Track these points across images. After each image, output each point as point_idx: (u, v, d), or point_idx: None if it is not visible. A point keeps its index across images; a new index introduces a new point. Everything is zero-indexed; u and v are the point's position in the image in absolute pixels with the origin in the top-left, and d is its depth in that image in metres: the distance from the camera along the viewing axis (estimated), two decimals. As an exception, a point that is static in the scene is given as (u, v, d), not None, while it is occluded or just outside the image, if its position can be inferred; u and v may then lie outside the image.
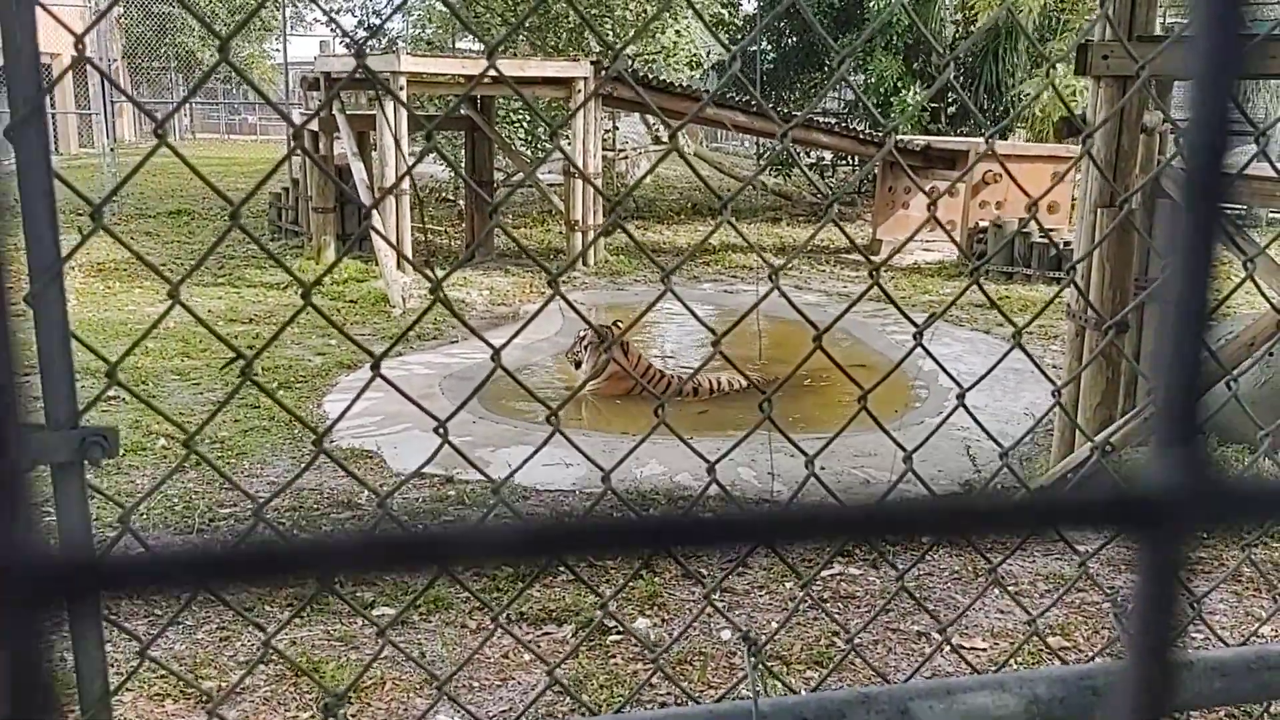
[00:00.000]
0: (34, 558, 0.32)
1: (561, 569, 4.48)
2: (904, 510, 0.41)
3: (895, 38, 17.71)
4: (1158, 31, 6.31)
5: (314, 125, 12.25)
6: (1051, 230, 11.73)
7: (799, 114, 16.56)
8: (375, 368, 1.03)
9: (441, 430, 1.09)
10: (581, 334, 8.03)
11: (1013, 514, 0.42)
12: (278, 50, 32.25)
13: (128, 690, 3.64)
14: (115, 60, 27.11)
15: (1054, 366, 7.69)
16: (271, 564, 0.36)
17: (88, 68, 17.09)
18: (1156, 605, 0.40)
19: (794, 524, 0.42)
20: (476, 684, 3.78)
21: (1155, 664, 0.41)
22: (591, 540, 0.40)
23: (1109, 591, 4.52)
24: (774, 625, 4.22)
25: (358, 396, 1.15)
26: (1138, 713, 0.42)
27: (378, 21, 20.69)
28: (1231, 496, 0.41)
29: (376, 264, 10.87)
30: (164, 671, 3.77)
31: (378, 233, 1.76)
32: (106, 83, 18.17)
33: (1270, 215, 16.15)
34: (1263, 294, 1.62)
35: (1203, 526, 0.41)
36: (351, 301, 10.20)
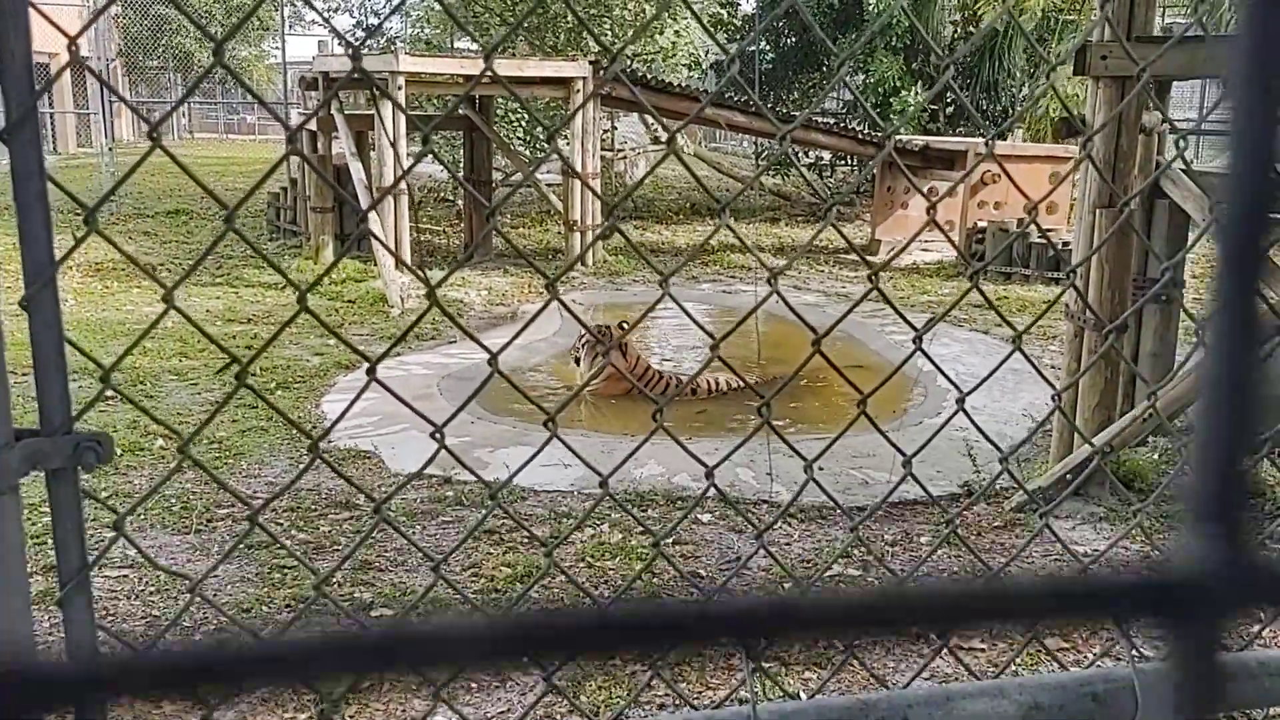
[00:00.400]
0: (26, 668, 0.32)
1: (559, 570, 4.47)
2: (925, 597, 0.39)
3: (895, 38, 17.70)
4: (1156, 32, 6.30)
5: (312, 125, 12.24)
6: (1050, 230, 11.73)
7: (798, 114, 16.55)
8: (370, 373, 1.03)
9: (438, 436, 1.09)
10: (583, 333, 8.05)
11: (1044, 598, 0.39)
12: (276, 50, 32.26)
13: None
14: (112, 60, 27.08)
15: (1052, 367, 7.68)
16: (247, 668, 0.36)
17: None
18: (1193, 700, 0.36)
19: (810, 616, 0.40)
20: (474, 684, 3.78)
21: None
22: (576, 639, 0.38)
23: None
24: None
25: (354, 400, 1.15)
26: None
27: (375, 21, 20.67)
28: (1273, 581, 0.36)
29: (375, 263, 10.87)
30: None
31: (375, 237, 1.77)
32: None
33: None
34: (1261, 298, 1.61)
35: (1241, 613, 0.36)
36: (350, 301, 10.19)
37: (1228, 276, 0.39)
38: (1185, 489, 0.37)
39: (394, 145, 10.49)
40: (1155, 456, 5.91)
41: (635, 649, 0.40)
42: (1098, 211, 5.25)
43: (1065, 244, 10.44)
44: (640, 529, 4.98)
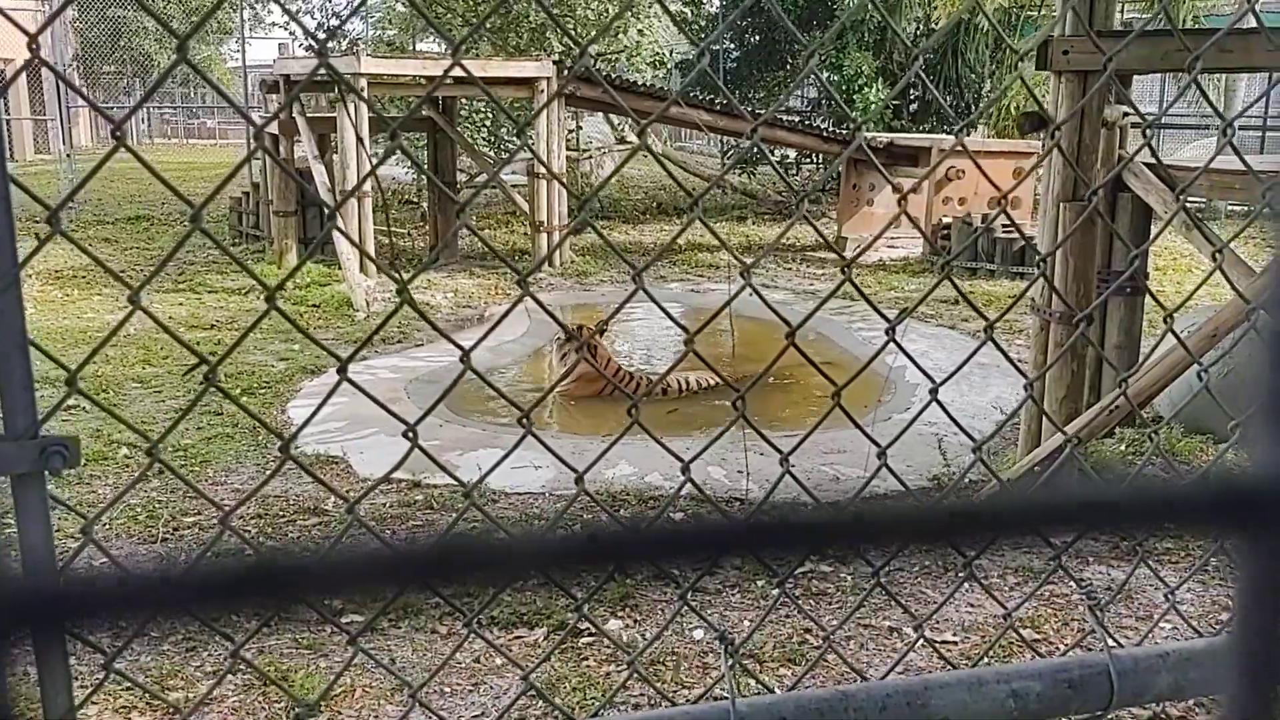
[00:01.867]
0: None
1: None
2: (989, 511, 0.38)
3: (867, 33, 17.78)
4: (1116, 26, 6.37)
5: (273, 128, 12.14)
6: (1017, 224, 11.83)
7: (764, 112, 16.59)
8: (342, 371, 1.01)
9: (411, 434, 1.08)
10: (557, 334, 8.05)
11: (1119, 508, 0.38)
12: (236, 53, 31.94)
13: (93, 703, 3.59)
14: (69, 65, 26.73)
15: (1020, 361, 7.75)
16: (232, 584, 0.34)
17: (42, 72, 16.85)
18: (1267, 612, 0.34)
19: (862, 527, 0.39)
20: (448, 689, 3.75)
21: (1265, 683, 0.35)
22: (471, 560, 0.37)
23: (1079, 582, 4.55)
24: (746, 624, 4.22)
25: (324, 401, 1.13)
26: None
27: (338, 23, 20.52)
28: None
29: (339, 267, 10.79)
30: (130, 683, 3.71)
31: (344, 235, 1.74)
32: (62, 89, 17.92)
33: (1229, 207, 16.38)
34: (1231, 284, 1.64)
35: None
36: (314, 306, 10.11)
37: None
38: (1257, 390, 0.34)
39: (360, 142, 10.42)
40: (1122, 448, 5.97)
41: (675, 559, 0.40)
42: (1062, 205, 5.30)
43: (1030, 238, 10.55)
44: (613, 529, 4.96)
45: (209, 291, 10.70)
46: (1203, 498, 0.35)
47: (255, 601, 0.34)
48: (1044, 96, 11.10)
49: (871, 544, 0.39)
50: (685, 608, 3.36)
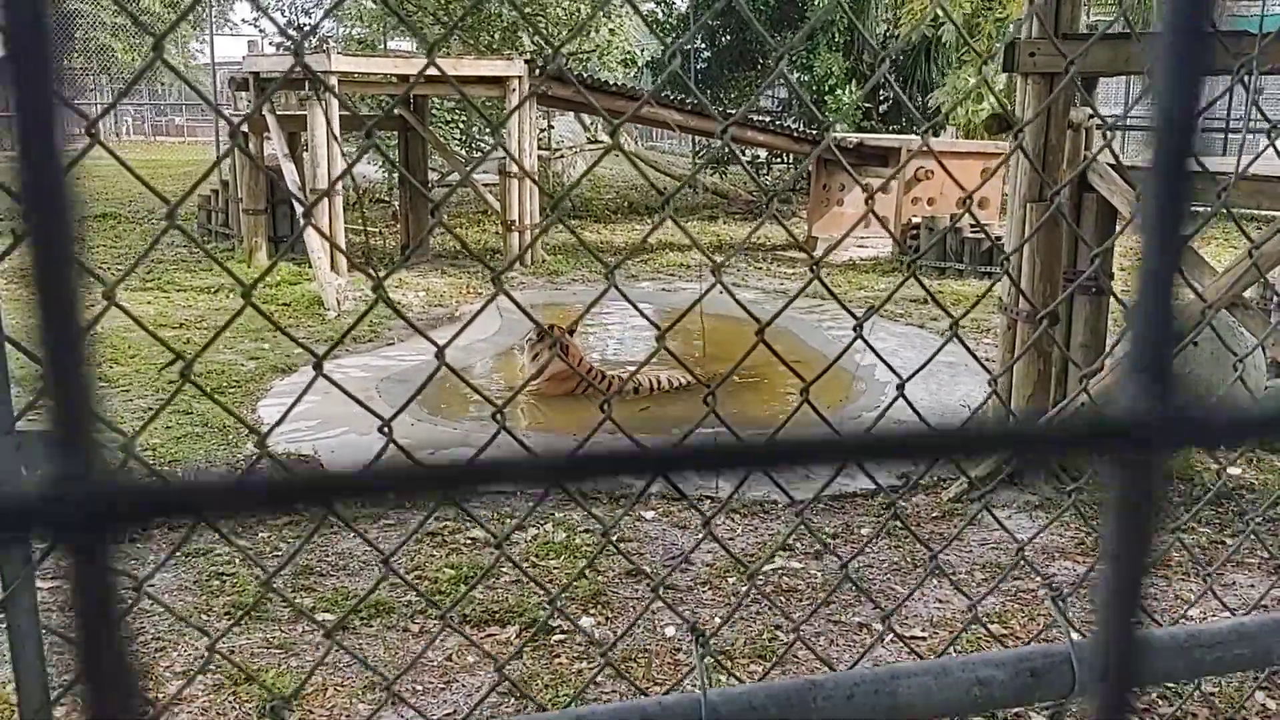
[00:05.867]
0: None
1: (502, 571, 4.47)
2: (882, 438, 0.42)
3: (836, 34, 17.86)
4: (1082, 29, 6.44)
5: (243, 126, 12.06)
6: (984, 225, 11.94)
7: (735, 112, 16.65)
8: (318, 368, 1.02)
9: (386, 430, 1.09)
10: (528, 332, 8.03)
11: (991, 440, 0.43)
12: (200, 50, 31.67)
13: (61, 703, 3.56)
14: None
15: (987, 359, 7.82)
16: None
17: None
18: (1131, 532, 0.41)
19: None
20: (420, 687, 3.76)
21: (1129, 590, 0.42)
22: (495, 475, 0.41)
23: (1044, 578, 4.61)
24: (718, 620, 4.25)
25: (298, 399, 1.14)
26: (1112, 655, 0.42)
27: (306, 20, 20.41)
28: (1202, 420, 0.42)
29: (310, 266, 10.73)
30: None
31: (319, 232, 1.76)
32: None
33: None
34: (1188, 283, 1.67)
35: (1176, 449, 0.42)
36: (285, 304, 10.05)
37: (1163, 151, 0.44)
38: (1127, 349, 0.43)
39: (335, 138, 10.37)
40: (1087, 445, 6.04)
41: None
42: (1028, 205, 5.36)
43: (998, 238, 10.64)
44: (584, 527, 4.99)
45: (177, 290, 10.62)
46: (1081, 430, 0.42)
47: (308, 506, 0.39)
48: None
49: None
50: (656, 603, 3.39)
